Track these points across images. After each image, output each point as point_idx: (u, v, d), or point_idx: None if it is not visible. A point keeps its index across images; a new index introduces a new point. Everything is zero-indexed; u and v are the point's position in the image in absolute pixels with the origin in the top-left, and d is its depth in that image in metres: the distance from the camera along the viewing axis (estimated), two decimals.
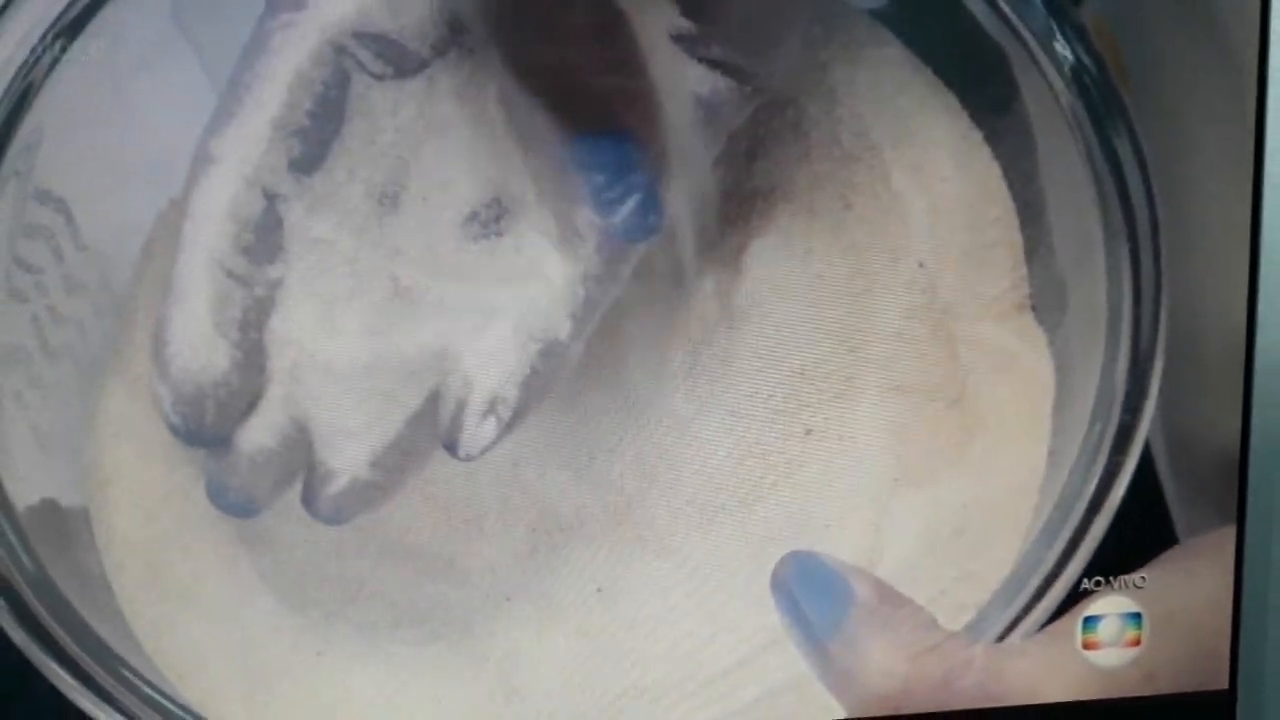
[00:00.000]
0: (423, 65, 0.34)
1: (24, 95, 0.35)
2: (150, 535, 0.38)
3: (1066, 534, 0.37)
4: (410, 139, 0.34)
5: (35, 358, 0.37)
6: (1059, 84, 0.37)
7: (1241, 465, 0.38)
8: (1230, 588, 0.38)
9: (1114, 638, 0.37)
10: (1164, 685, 0.38)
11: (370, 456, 0.35)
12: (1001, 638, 0.37)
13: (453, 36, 0.34)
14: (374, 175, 0.34)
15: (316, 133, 0.34)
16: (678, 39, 0.34)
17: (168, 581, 0.38)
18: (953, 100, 0.39)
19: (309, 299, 0.35)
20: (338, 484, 0.35)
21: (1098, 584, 0.37)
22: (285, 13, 0.33)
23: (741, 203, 0.40)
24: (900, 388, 0.40)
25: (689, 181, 0.36)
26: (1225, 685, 0.39)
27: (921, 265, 0.40)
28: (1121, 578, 0.37)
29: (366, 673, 0.39)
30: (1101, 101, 0.36)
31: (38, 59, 0.34)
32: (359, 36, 0.33)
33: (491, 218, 0.36)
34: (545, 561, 0.40)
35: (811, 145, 0.40)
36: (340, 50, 0.33)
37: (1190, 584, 0.38)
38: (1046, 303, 0.40)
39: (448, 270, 0.35)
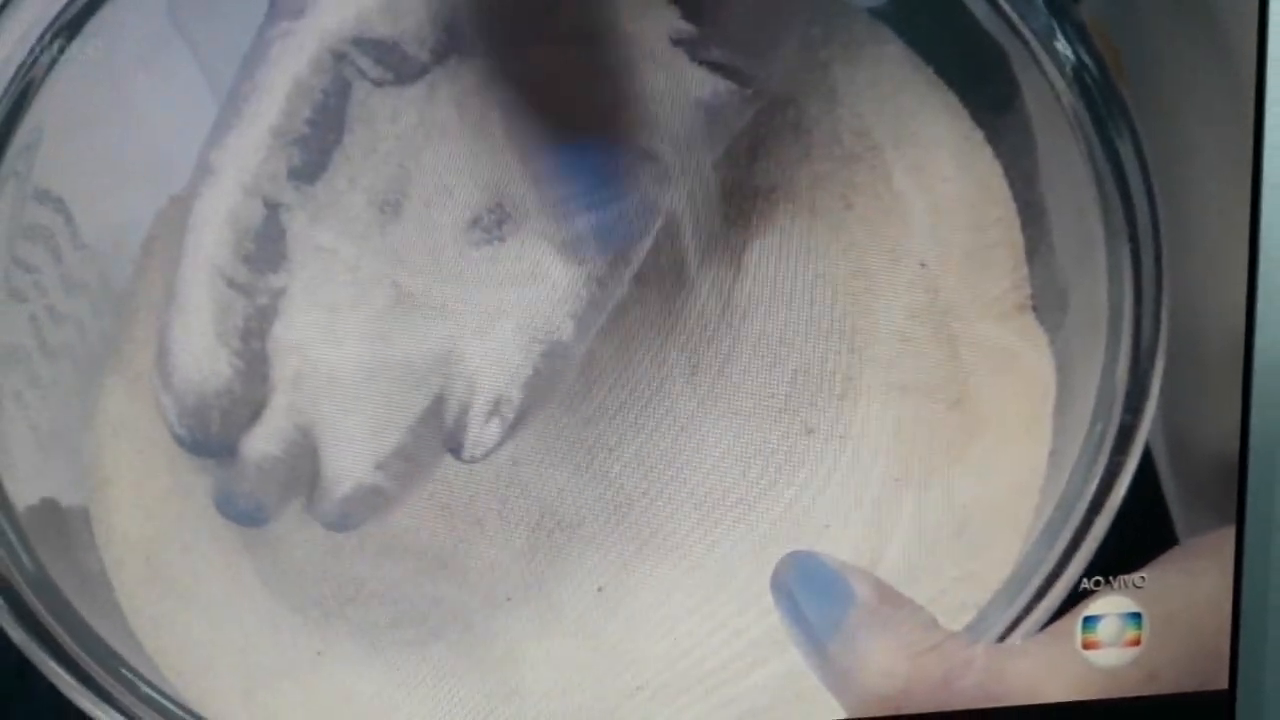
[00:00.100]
0: (423, 71, 0.34)
1: (23, 95, 0.35)
2: (150, 533, 0.38)
3: (1067, 534, 0.37)
4: (411, 146, 0.34)
5: (34, 357, 0.37)
6: (1060, 83, 0.36)
7: (1241, 465, 0.38)
8: (1230, 588, 0.38)
9: (1114, 638, 0.37)
10: (1164, 685, 0.38)
11: (376, 462, 0.35)
12: (1002, 638, 0.37)
13: (452, 42, 0.34)
14: (375, 183, 0.34)
15: (317, 141, 0.34)
16: (678, 42, 0.34)
17: (167, 580, 0.38)
18: (954, 99, 0.39)
19: (312, 307, 0.35)
20: (344, 490, 0.35)
21: (1097, 584, 0.37)
22: (284, 21, 0.33)
23: (742, 202, 0.40)
24: (901, 388, 0.40)
25: (689, 182, 0.36)
26: (1225, 685, 0.39)
27: (923, 265, 0.40)
28: (1121, 577, 0.37)
29: (366, 672, 0.39)
30: (1103, 101, 0.36)
31: (36, 58, 0.34)
32: (358, 43, 0.33)
33: (493, 222, 0.35)
34: (546, 561, 0.40)
35: (812, 144, 0.40)
36: (340, 57, 0.33)
37: (1190, 584, 0.38)
38: (1047, 303, 0.40)
39: (450, 275, 0.35)
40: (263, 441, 0.35)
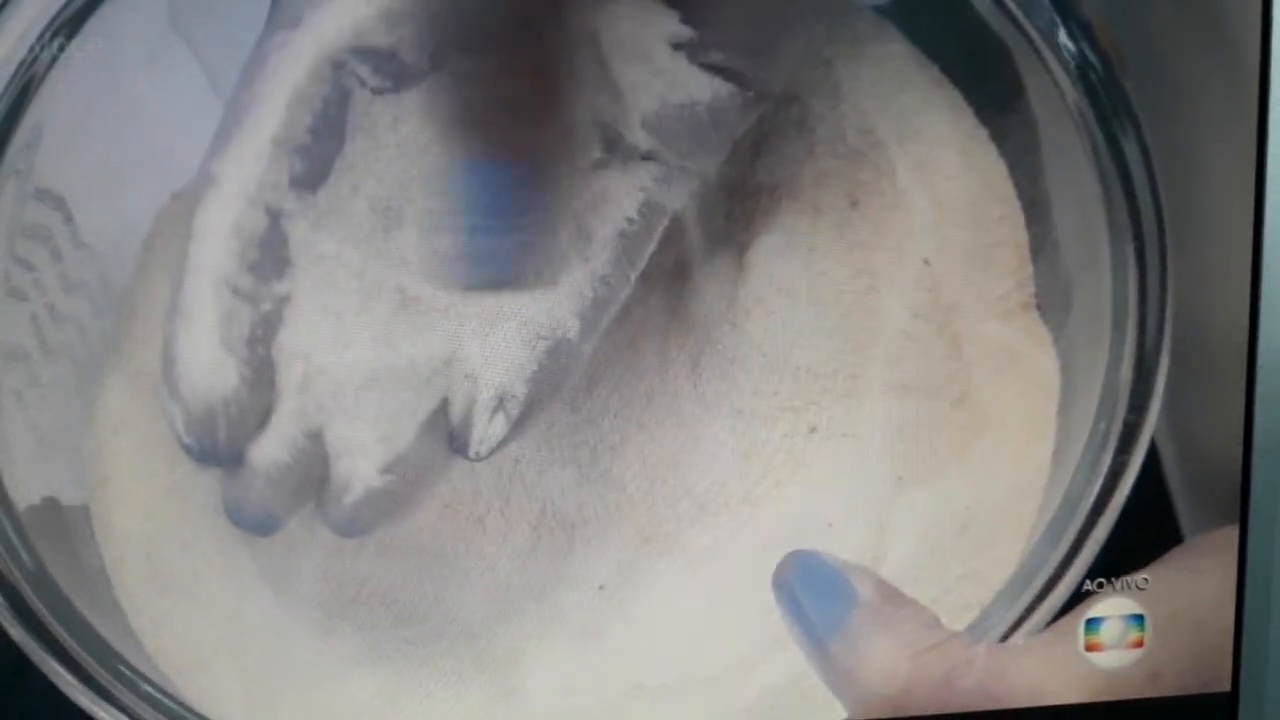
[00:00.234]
0: (422, 77, 0.34)
1: (23, 93, 0.35)
2: (150, 531, 0.38)
3: (1071, 533, 0.37)
4: (412, 152, 0.34)
5: (34, 357, 0.37)
6: (1065, 81, 0.36)
7: (1244, 465, 0.38)
8: (1234, 587, 0.38)
9: (1116, 640, 0.37)
10: (1167, 686, 0.38)
11: (384, 466, 0.35)
12: (1005, 637, 0.37)
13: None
14: (378, 189, 0.34)
15: (318, 149, 0.34)
16: (678, 46, 0.34)
17: (167, 578, 0.38)
18: (958, 97, 0.39)
19: (317, 313, 0.35)
20: (353, 495, 0.35)
21: (1100, 585, 0.37)
22: (281, 32, 0.33)
23: (746, 199, 0.40)
24: (905, 386, 0.40)
25: (692, 183, 0.36)
26: (1227, 688, 0.39)
27: (926, 263, 0.39)
28: (1124, 579, 0.37)
29: (366, 671, 0.39)
30: (1107, 99, 0.36)
31: (36, 56, 0.34)
32: (357, 52, 0.33)
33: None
34: (547, 559, 0.40)
35: (816, 142, 0.40)
36: (339, 66, 0.33)
37: (1194, 582, 0.38)
38: (1052, 302, 0.39)
39: (454, 279, 0.35)
40: (271, 449, 0.35)
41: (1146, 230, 0.37)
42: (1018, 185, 0.39)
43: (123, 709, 0.36)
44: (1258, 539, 0.38)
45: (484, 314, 0.35)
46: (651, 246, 0.36)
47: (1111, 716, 0.37)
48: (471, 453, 0.35)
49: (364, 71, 0.33)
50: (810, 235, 0.40)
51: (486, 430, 0.35)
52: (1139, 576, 0.37)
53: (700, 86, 0.34)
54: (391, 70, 0.33)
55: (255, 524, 0.35)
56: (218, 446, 0.34)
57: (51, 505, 0.38)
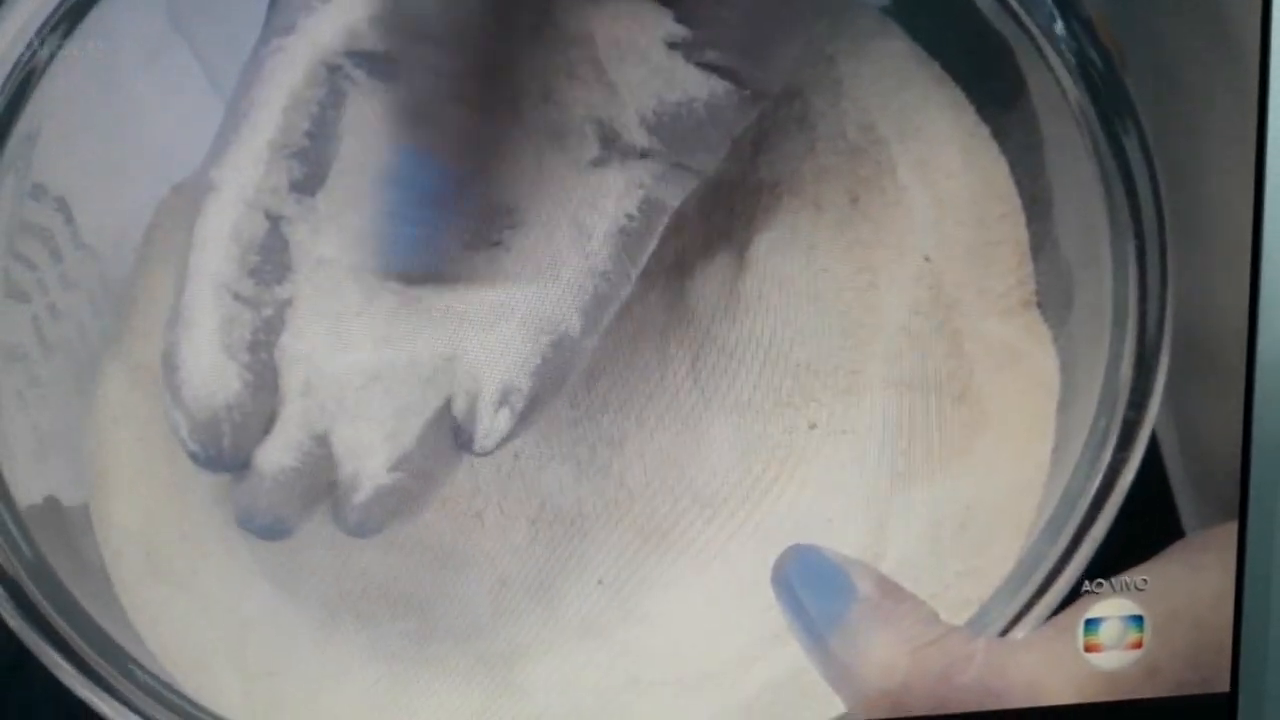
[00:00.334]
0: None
1: (23, 87, 0.35)
2: (149, 524, 0.38)
3: (1070, 530, 0.37)
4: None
5: (34, 355, 0.37)
6: (1066, 79, 0.36)
7: (1244, 463, 0.38)
8: (1234, 584, 0.38)
9: (1115, 641, 0.37)
10: (1166, 683, 0.38)
11: (392, 464, 0.35)
12: (1004, 633, 0.37)
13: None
14: (373, 191, 0.35)
15: (315, 153, 0.34)
16: (674, 45, 0.34)
17: (166, 571, 0.38)
18: (959, 95, 0.39)
19: (318, 316, 0.35)
20: (363, 494, 0.35)
21: (1099, 586, 0.37)
22: (276, 38, 0.33)
23: (747, 196, 0.40)
24: (905, 383, 0.39)
25: (691, 181, 0.36)
26: (1226, 688, 0.38)
27: (927, 260, 0.39)
28: (1123, 580, 0.37)
29: (366, 664, 0.39)
30: (1108, 97, 0.36)
31: (36, 51, 0.34)
32: (351, 55, 0.33)
33: (501, 224, 0.35)
34: (546, 554, 0.40)
35: (817, 139, 0.40)
36: (334, 70, 0.33)
37: (1194, 578, 0.38)
38: (1052, 299, 0.39)
39: (454, 278, 0.35)
40: (278, 454, 0.35)
41: (1147, 228, 0.37)
42: (1019, 183, 0.39)
43: (121, 699, 0.36)
44: (1257, 537, 0.38)
45: (485, 311, 0.35)
46: (652, 243, 0.36)
47: (1111, 717, 0.37)
48: (477, 447, 0.35)
49: (358, 74, 0.33)
50: (811, 232, 0.40)
51: (492, 424, 0.35)
52: (1138, 577, 0.37)
53: (697, 85, 0.34)
54: (386, 72, 0.33)
55: (267, 530, 0.35)
56: (223, 452, 0.34)
57: (52, 505, 0.38)
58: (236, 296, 0.34)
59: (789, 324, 0.39)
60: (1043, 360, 0.39)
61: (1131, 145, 0.36)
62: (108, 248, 0.38)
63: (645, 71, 0.34)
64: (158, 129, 0.36)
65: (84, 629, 0.36)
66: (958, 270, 0.39)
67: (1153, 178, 0.36)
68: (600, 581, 0.40)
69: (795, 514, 0.39)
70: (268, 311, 0.34)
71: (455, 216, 0.35)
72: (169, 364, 0.34)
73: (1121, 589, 0.37)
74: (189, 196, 0.37)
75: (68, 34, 0.35)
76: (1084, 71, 0.36)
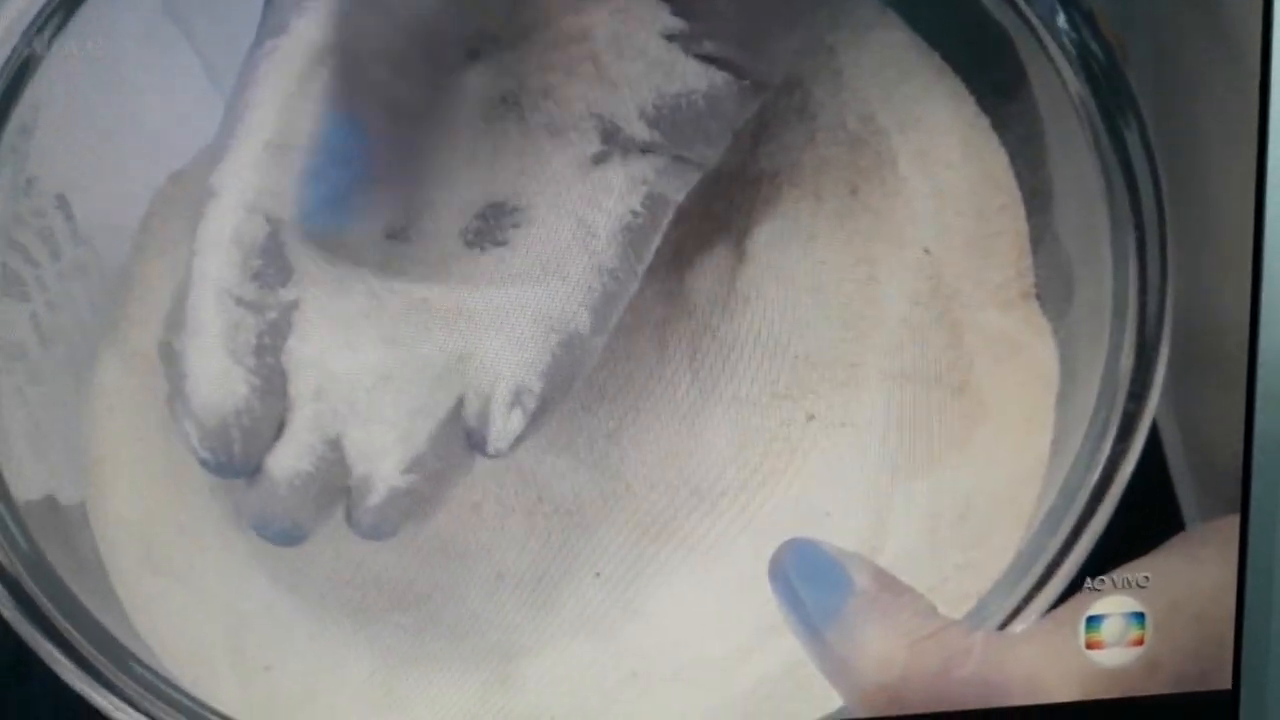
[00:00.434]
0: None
1: (20, 74, 0.35)
2: (144, 513, 0.38)
3: (1069, 523, 0.37)
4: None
5: (32, 349, 0.37)
6: (1067, 71, 0.36)
7: (1246, 457, 0.38)
8: (1235, 577, 0.38)
9: (1117, 638, 0.37)
10: (1167, 678, 0.37)
11: (406, 465, 0.35)
12: (1003, 626, 0.37)
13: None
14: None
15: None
16: (671, 38, 0.34)
17: (162, 561, 0.38)
18: (959, 86, 0.39)
19: (325, 320, 0.35)
20: (377, 496, 0.35)
21: (1101, 583, 0.37)
22: (269, 40, 0.33)
23: (746, 187, 0.40)
24: (904, 375, 0.39)
25: (692, 173, 0.36)
26: (1228, 685, 0.38)
27: (927, 252, 0.39)
28: (1125, 577, 0.37)
29: (361, 656, 0.39)
30: (1109, 89, 0.36)
31: (33, 37, 0.34)
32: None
33: (497, 225, 0.35)
34: (543, 546, 0.39)
35: (817, 129, 0.40)
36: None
37: (1195, 571, 0.38)
38: (1052, 291, 0.39)
39: (461, 279, 0.35)
40: (291, 459, 0.34)
41: (1147, 220, 0.37)
42: (1018, 175, 0.39)
43: (119, 694, 0.36)
44: (1259, 532, 0.38)
45: (494, 311, 0.35)
46: (657, 239, 0.36)
47: (1114, 715, 0.37)
48: (490, 449, 0.35)
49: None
50: (810, 223, 0.40)
51: (505, 425, 0.35)
52: (1140, 574, 0.37)
53: (696, 76, 0.34)
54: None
55: (283, 535, 0.35)
56: (234, 458, 0.34)
57: (50, 500, 0.38)
58: (240, 301, 0.34)
59: (788, 316, 0.39)
60: (1042, 352, 0.39)
61: (1132, 138, 0.36)
62: (105, 238, 0.38)
63: (644, 65, 0.34)
64: (154, 117, 0.36)
65: (81, 623, 0.36)
66: (957, 262, 0.39)
67: (1153, 170, 0.36)
68: (598, 574, 0.40)
69: (793, 507, 0.39)
70: (272, 315, 0.34)
71: (459, 217, 0.35)
72: (176, 374, 0.34)
73: (1123, 586, 0.37)
74: (186, 186, 0.37)
75: (63, 24, 0.34)
76: (1085, 64, 0.36)
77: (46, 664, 0.36)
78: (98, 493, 0.38)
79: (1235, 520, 0.38)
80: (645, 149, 0.35)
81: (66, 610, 0.36)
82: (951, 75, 0.39)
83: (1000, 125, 0.39)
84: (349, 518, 0.35)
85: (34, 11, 0.34)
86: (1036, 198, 0.39)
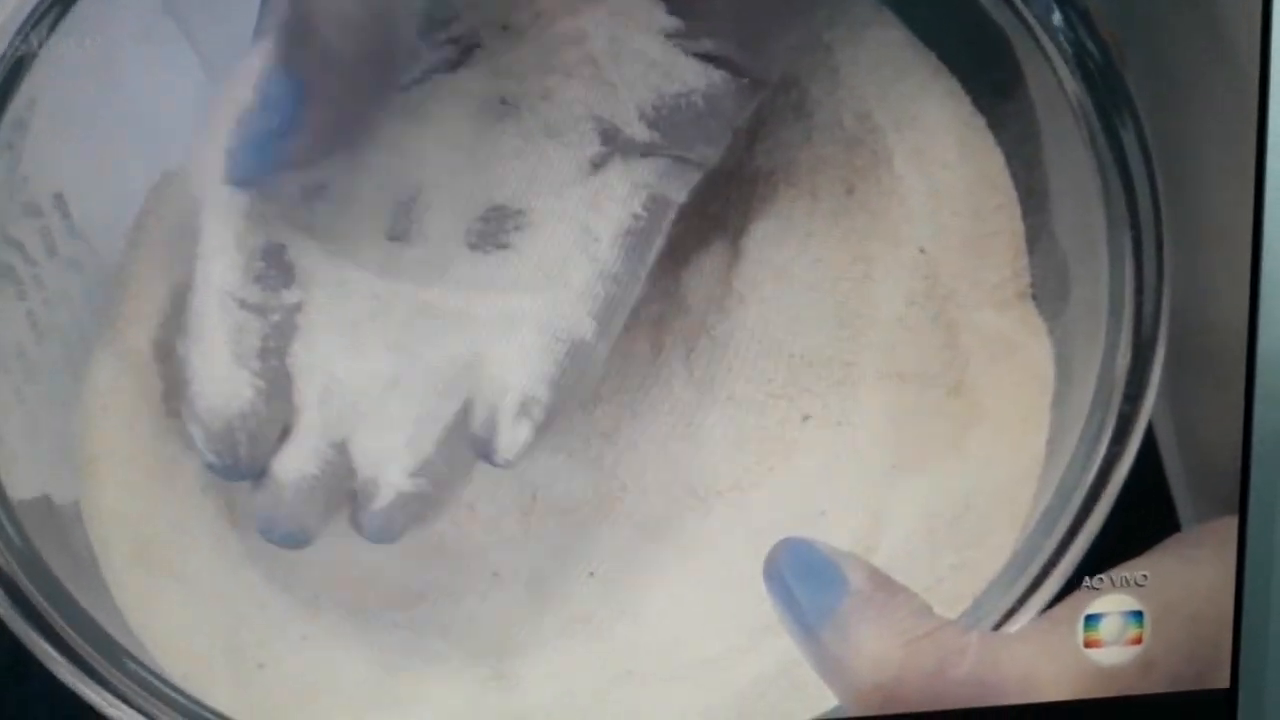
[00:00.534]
0: (415, 83, 0.34)
1: (16, 70, 0.35)
2: (138, 510, 0.38)
3: (1065, 523, 0.37)
4: (411, 158, 0.35)
5: (29, 348, 0.37)
6: (1063, 70, 0.36)
7: (1244, 458, 0.38)
8: (1232, 577, 0.38)
9: (1115, 636, 0.37)
10: (1166, 678, 0.37)
11: (413, 470, 0.35)
12: (998, 626, 0.37)
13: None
14: (378, 199, 0.35)
15: None
16: (669, 38, 0.34)
17: (155, 558, 0.38)
18: (956, 85, 0.39)
19: (331, 324, 0.35)
20: (384, 500, 0.35)
21: (1100, 582, 0.37)
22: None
23: (742, 185, 0.40)
24: (899, 375, 0.39)
25: (692, 173, 0.36)
26: (1226, 684, 0.38)
27: (923, 251, 0.39)
28: (1123, 575, 0.37)
29: (355, 654, 0.39)
30: (1106, 89, 0.36)
31: (30, 32, 0.34)
32: None
33: (498, 229, 0.35)
34: (537, 545, 0.39)
35: (814, 127, 0.39)
36: None
37: (1191, 571, 0.38)
38: (1048, 291, 0.39)
39: (465, 283, 0.35)
40: (297, 462, 0.35)
41: (1144, 220, 0.36)
42: (1015, 174, 0.39)
43: (109, 687, 0.36)
44: (1257, 533, 0.38)
45: (499, 318, 0.35)
46: (659, 242, 0.36)
47: (1112, 713, 0.37)
48: (499, 459, 0.35)
49: None
50: (806, 222, 0.40)
51: (513, 436, 0.35)
52: (1138, 573, 0.37)
53: (695, 75, 0.35)
54: None
55: (288, 538, 0.35)
56: (240, 461, 0.34)
57: (45, 502, 0.37)
58: (243, 304, 0.34)
59: (783, 314, 0.39)
60: (1038, 352, 0.39)
61: (1128, 137, 0.36)
62: (101, 235, 0.38)
63: (642, 66, 0.34)
64: (151, 109, 0.36)
65: (76, 620, 0.36)
66: (953, 261, 0.39)
67: (1149, 170, 0.36)
68: (592, 573, 0.39)
69: (788, 506, 0.39)
70: (275, 317, 0.34)
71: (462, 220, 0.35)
72: (182, 379, 0.34)
73: (1121, 584, 0.37)
74: (182, 184, 0.37)
75: (59, 18, 0.34)
76: (1081, 63, 0.36)
77: (40, 660, 0.36)
78: (92, 491, 0.38)
79: (1230, 521, 0.38)
80: (646, 151, 0.35)
81: (61, 608, 0.36)
82: (948, 74, 0.39)
83: (996, 124, 0.39)
84: (354, 521, 0.35)
85: (29, 7, 0.34)
86: (1032, 197, 0.39)
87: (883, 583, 0.36)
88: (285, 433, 0.35)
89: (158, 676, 0.37)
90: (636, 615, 0.39)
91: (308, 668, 0.39)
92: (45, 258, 0.37)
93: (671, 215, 0.36)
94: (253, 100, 0.33)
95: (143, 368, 0.37)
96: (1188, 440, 0.38)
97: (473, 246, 0.36)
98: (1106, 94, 0.36)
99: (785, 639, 0.36)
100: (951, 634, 0.36)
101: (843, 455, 0.39)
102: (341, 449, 0.35)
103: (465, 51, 0.35)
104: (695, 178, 0.36)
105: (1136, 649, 0.37)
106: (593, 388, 0.39)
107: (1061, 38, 0.36)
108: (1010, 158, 0.39)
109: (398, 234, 0.36)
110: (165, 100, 0.36)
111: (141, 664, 0.37)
